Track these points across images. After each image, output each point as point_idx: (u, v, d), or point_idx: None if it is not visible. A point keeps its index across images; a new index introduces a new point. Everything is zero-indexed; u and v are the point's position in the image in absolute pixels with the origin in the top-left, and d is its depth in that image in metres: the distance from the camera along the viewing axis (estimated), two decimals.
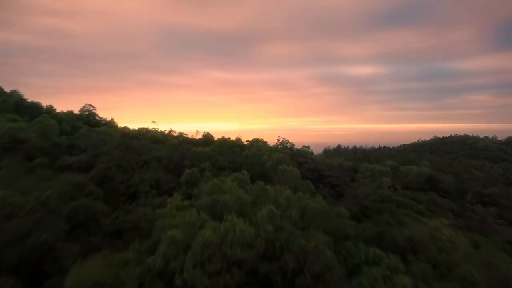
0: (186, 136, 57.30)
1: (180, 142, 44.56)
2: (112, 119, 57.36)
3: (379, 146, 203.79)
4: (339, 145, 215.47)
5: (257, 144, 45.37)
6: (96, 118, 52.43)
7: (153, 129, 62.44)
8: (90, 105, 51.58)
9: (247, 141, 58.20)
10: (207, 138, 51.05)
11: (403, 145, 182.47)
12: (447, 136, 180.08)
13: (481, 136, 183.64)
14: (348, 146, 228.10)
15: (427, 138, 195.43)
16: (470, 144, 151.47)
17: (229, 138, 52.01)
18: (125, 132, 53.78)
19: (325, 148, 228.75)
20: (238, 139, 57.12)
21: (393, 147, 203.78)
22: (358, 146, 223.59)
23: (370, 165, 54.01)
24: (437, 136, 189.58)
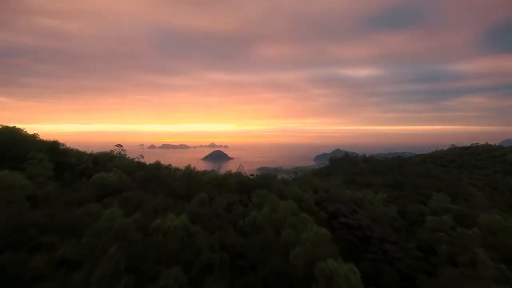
0: (165, 167, 38.96)
1: (139, 200, 25.77)
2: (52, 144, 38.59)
3: (393, 157, 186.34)
4: (346, 154, 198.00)
5: (271, 198, 26.95)
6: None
7: (117, 155, 44.09)
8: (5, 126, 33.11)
9: (252, 175, 40.13)
10: (190, 179, 32.29)
11: (421, 155, 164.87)
12: (467, 145, 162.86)
13: (505, 145, 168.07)
14: (356, 154, 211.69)
15: (444, 147, 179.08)
16: (499, 157, 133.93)
17: (226, 177, 33.99)
18: (64, 164, 35.24)
19: (331, 157, 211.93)
20: (239, 174, 38.95)
21: (409, 156, 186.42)
22: (368, 153, 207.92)
23: (450, 227, 35.78)
24: (455, 145, 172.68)
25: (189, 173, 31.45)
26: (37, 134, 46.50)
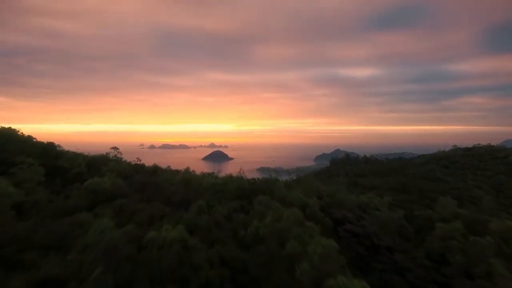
0: (163, 170, 37.33)
1: (134, 208, 23.91)
2: None
3: (395, 158, 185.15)
4: (347, 154, 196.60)
5: (274, 206, 25.34)
6: None
7: (113, 158, 42.48)
8: None
9: (254, 179, 38.57)
10: (188, 184, 30.40)
11: (423, 156, 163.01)
12: (470, 146, 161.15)
13: (506, 145, 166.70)
14: (357, 155, 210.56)
15: (444, 147, 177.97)
16: (502, 158, 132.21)
17: (227, 182, 32.24)
18: (56, 168, 33.53)
19: (332, 158, 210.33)
20: (240, 177, 37.33)
21: (410, 157, 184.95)
22: (368, 154, 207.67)
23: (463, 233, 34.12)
24: (457, 146, 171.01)
25: (187, 178, 29.76)
26: (33, 136, 45.01)
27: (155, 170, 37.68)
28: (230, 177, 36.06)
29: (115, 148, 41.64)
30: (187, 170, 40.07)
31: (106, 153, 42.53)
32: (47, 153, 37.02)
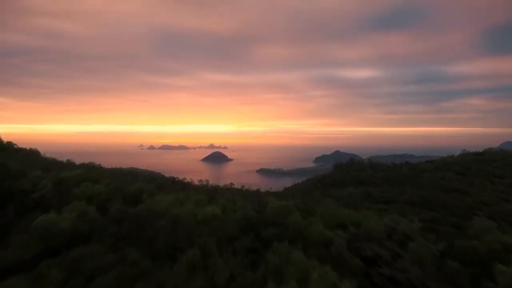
0: (149, 193, 30.15)
1: (97, 265, 17.27)
2: None
3: (401, 162, 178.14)
4: (351, 159, 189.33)
5: (296, 259, 18.12)
6: None
7: (95, 170, 35.32)
8: None
9: (262, 203, 31.18)
10: (176, 223, 23.47)
11: (431, 161, 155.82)
12: (480, 151, 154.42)
13: (505, 147, 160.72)
14: (361, 158, 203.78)
15: (444, 148, 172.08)
16: None
17: (226, 218, 25.26)
18: (14, 191, 26.29)
19: (336, 162, 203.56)
20: (244, 206, 29.93)
21: (417, 162, 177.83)
22: (368, 155, 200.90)
23: None
24: (460, 148, 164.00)
25: (174, 217, 22.46)
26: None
27: (141, 192, 30.36)
28: (232, 203, 28.82)
29: (91, 162, 34.41)
30: (173, 209, 32.75)
31: (89, 162, 35.19)
32: (5, 171, 29.70)
